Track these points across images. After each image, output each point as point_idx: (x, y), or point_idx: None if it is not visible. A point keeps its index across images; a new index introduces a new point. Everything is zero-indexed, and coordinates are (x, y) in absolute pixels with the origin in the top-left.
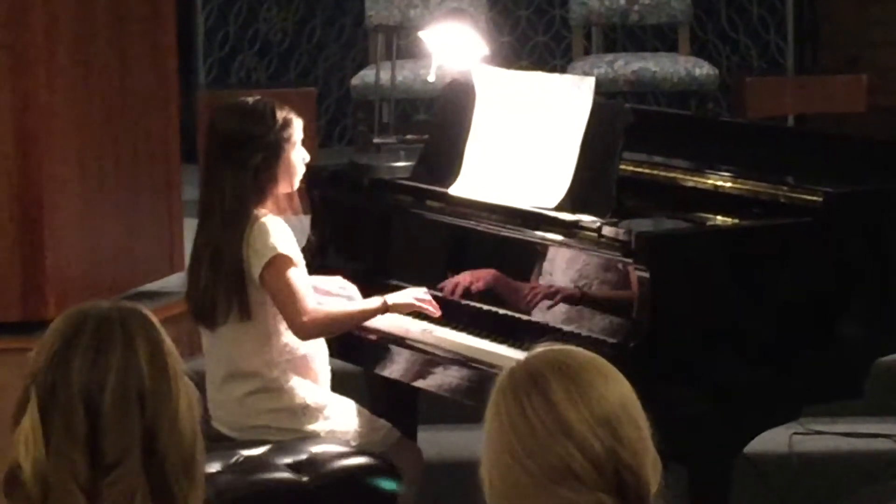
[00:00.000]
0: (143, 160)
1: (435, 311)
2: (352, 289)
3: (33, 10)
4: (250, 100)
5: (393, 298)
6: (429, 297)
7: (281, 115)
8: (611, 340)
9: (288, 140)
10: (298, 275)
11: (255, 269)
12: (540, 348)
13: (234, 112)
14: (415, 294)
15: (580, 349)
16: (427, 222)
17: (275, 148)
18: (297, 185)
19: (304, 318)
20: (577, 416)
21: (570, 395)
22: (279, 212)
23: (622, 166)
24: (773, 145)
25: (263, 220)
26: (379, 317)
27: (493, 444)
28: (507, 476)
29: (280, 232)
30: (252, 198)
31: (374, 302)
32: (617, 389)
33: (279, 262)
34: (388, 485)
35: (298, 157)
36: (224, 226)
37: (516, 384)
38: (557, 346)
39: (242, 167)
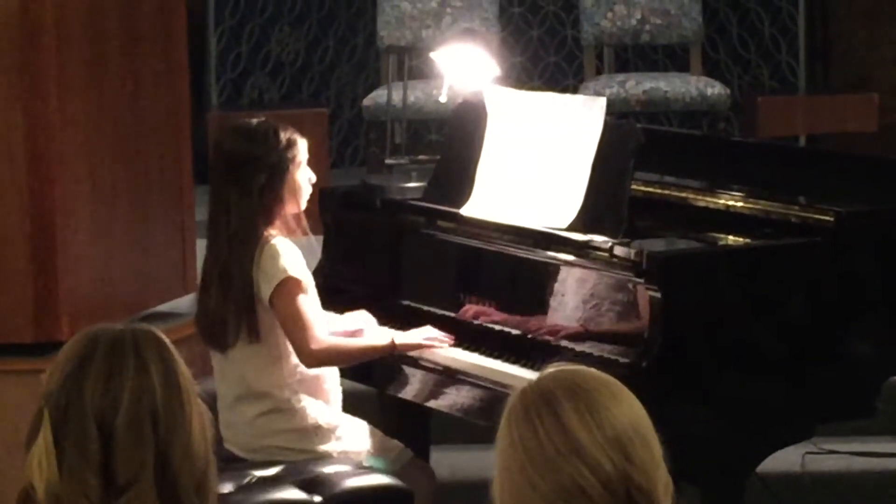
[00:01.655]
0: (155, 181)
1: (443, 345)
2: (371, 321)
3: (45, 32)
4: (254, 121)
5: (401, 339)
6: (437, 334)
7: (284, 135)
8: (623, 360)
9: (292, 160)
10: (308, 300)
11: (265, 291)
12: (552, 368)
13: (238, 133)
14: (424, 334)
15: (592, 370)
16: (439, 243)
17: (278, 168)
18: (304, 205)
19: (312, 347)
20: (589, 437)
21: (582, 416)
22: (288, 232)
23: (634, 186)
24: (784, 165)
25: (273, 241)
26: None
27: (504, 463)
28: (519, 496)
29: (290, 254)
30: (259, 219)
31: (383, 340)
32: (629, 411)
33: (289, 286)
34: None
35: (304, 178)
36: (231, 247)
37: (528, 404)
38: (569, 367)
39: (247, 188)
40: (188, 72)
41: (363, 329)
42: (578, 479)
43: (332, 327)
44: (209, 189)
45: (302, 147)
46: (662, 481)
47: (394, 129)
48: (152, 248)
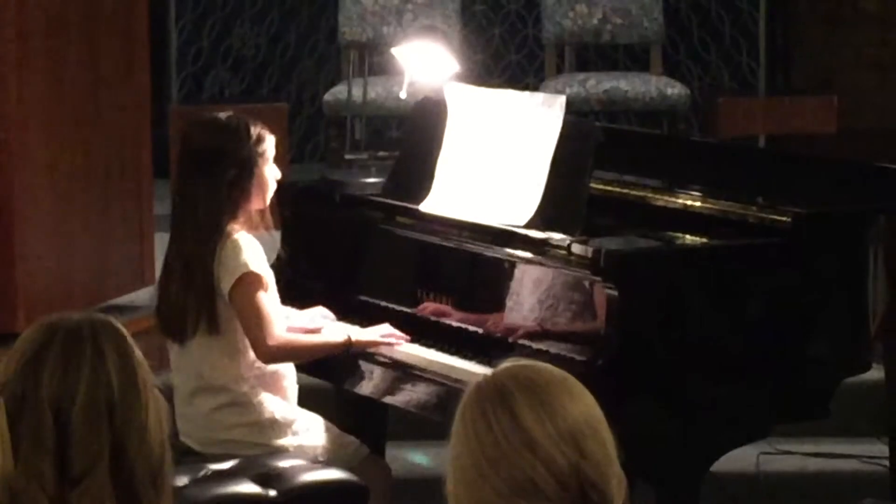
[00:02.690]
0: (114, 174)
1: (399, 342)
2: (329, 317)
3: (5, 24)
4: (223, 115)
5: (357, 335)
6: (393, 331)
7: (255, 130)
8: (579, 358)
9: (261, 156)
10: (267, 296)
11: (225, 285)
12: (506, 363)
13: (208, 127)
14: (381, 331)
15: (547, 365)
16: (397, 238)
17: (248, 163)
18: (268, 201)
19: (269, 342)
20: (542, 432)
21: (536, 411)
22: (251, 228)
23: (593, 185)
24: (743, 165)
25: (236, 236)
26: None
27: (459, 458)
28: (473, 491)
29: (252, 250)
30: (225, 213)
31: (339, 337)
32: (582, 406)
33: (249, 281)
34: None
35: (271, 174)
36: (196, 241)
37: (483, 398)
38: (524, 362)
39: (216, 182)
40: (149, 65)
41: (321, 326)
42: (531, 473)
43: (291, 323)
44: (173, 181)
45: (270, 143)
46: (616, 476)
47: (354, 125)
48: (111, 241)
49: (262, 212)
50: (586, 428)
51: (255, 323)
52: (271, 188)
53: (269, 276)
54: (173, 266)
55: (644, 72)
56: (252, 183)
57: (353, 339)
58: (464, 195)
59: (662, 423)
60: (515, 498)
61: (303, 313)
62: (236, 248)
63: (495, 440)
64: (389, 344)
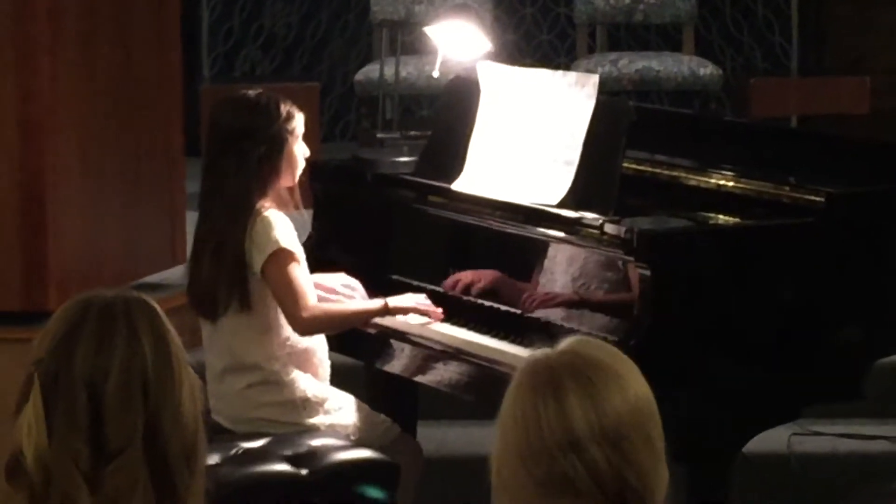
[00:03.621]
0: (146, 153)
1: (436, 315)
2: (356, 285)
3: (37, 3)
4: (252, 93)
5: (394, 301)
6: (429, 303)
7: (284, 108)
8: (611, 338)
9: (291, 133)
10: (300, 270)
11: (257, 262)
12: (570, 341)
13: (238, 105)
14: (416, 299)
15: (604, 349)
16: (429, 218)
17: (278, 140)
18: (297, 178)
19: (304, 315)
20: (588, 431)
21: (585, 410)
22: (281, 206)
23: (625, 164)
24: (775, 146)
25: (266, 213)
26: None
27: (506, 438)
28: (514, 476)
29: (283, 226)
30: (255, 190)
31: (375, 303)
32: (632, 403)
33: (281, 257)
34: (374, 493)
35: (300, 151)
36: (226, 218)
37: (536, 386)
38: (585, 346)
39: (245, 159)
40: (180, 44)
41: (354, 288)
42: (571, 473)
43: (316, 281)
44: (203, 159)
45: (299, 120)
46: (661, 479)
47: (385, 103)
48: (142, 219)
49: (291, 189)
50: (632, 429)
51: (289, 297)
52: (300, 166)
53: (299, 252)
54: (204, 244)
55: (676, 52)
56: (281, 160)
57: (391, 304)
58: (496, 174)
59: (694, 404)
60: (552, 493)
61: (326, 276)
62: (267, 225)
63: (541, 434)
64: (425, 312)
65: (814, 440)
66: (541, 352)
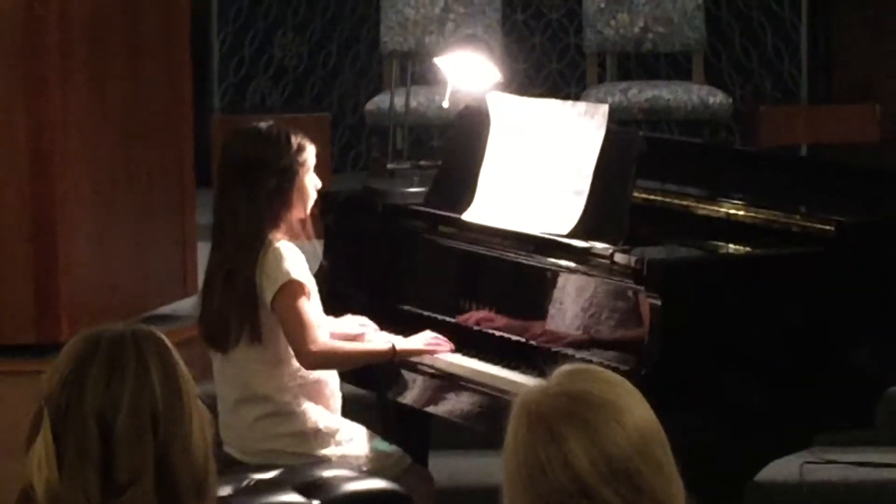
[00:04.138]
0: (157, 184)
1: (444, 349)
2: (371, 326)
3: (48, 32)
4: (264, 124)
5: (402, 344)
6: (439, 339)
7: (295, 140)
8: (622, 367)
9: (302, 165)
10: (310, 303)
11: (268, 294)
12: (556, 379)
13: (249, 136)
14: (425, 339)
15: (597, 380)
16: (440, 248)
17: (289, 172)
18: (309, 210)
19: (312, 348)
20: (594, 473)
21: (588, 453)
22: (292, 237)
23: (635, 194)
24: (785, 174)
25: (278, 245)
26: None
27: (512, 485)
28: None
29: (294, 258)
30: (266, 222)
31: (383, 346)
32: (634, 432)
33: (292, 289)
34: None
35: (311, 183)
36: (237, 249)
37: (532, 429)
38: (574, 380)
39: (256, 191)
40: (191, 75)
41: (364, 334)
42: None
43: (331, 329)
44: (215, 190)
45: (311, 152)
46: (678, 499)
47: (396, 134)
48: (153, 251)
49: (303, 221)
50: (640, 459)
51: (298, 330)
52: (312, 197)
53: (311, 284)
54: (215, 275)
55: (686, 80)
56: (292, 192)
57: (398, 347)
58: (507, 204)
59: (705, 433)
60: None
61: (342, 320)
62: (278, 257)
63: (549, 483)
64: (434, 352)
65: (826, 468)
66: (530, 391)
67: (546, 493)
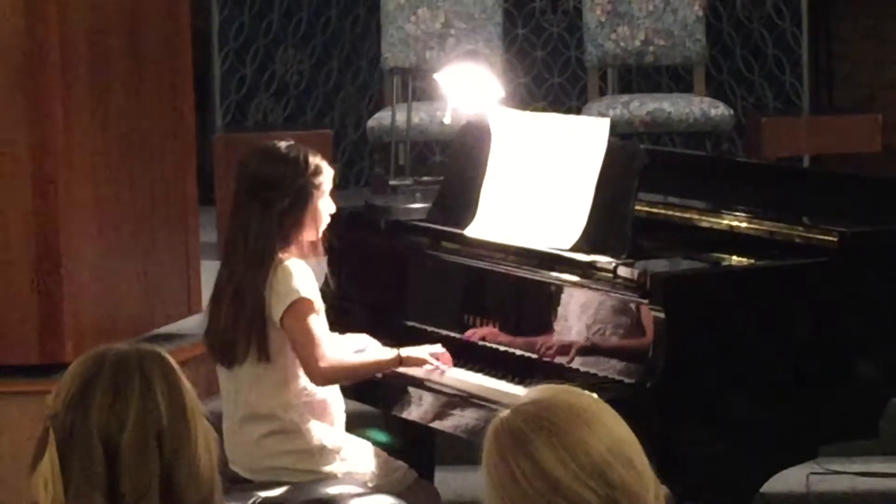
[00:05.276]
0: (160, 203)
1: (448, 365)
2: (374, 344)
3: (49, 54)
4: (283, 144)
5: (407, 352)
6: (443, 352)
7: (313, 161)
8: (627, 381)
9: (317, 188)
10: (319, 321)
11: (277, 311)
12: (520, 401)
13: (267, 155)
14: (430, 350)
15: (559, 394)
16: (443, 263)
17: (303, 194)
18: (321, 233)
19: (322, 365)
20: (567, 473)
21: (557, 453)
22: (302, 256)
23: (638, 207)
24: (788, 186)
25: (287, 262)
26: None
27: (492, 502)
28: None
29: (303, 275)
30: (276, 241)
31: (389, 354)
32: (604, 434)
33: (301, 306)
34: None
35: (325, 207)
36: (247, 266)
37: (502, 447)
38: (537, 396)
39: (268, 210)
40: (193, 93)
41: (367, 348)
42: None
43: (335, 346)
44: (232, 206)
45: (328, 175)
46: (651, 493)
47: (398, 150)
48: (157, 270)
49: (314, 243)
50: (611, 456)
51: (308, 347)
52: (325, 221)
53: (319, 302)
54: (224, 291)
55: (687, 93)
56: (305, 214)
57: (404, 355)
58: (509, 219)
59: (711, 445)
60: None
61: (346, 337)
62: (287, 275)
63: (521, 489)
64: (437, 361)
65: (832, 479)
66: (499, 416)
67: (520, 500)
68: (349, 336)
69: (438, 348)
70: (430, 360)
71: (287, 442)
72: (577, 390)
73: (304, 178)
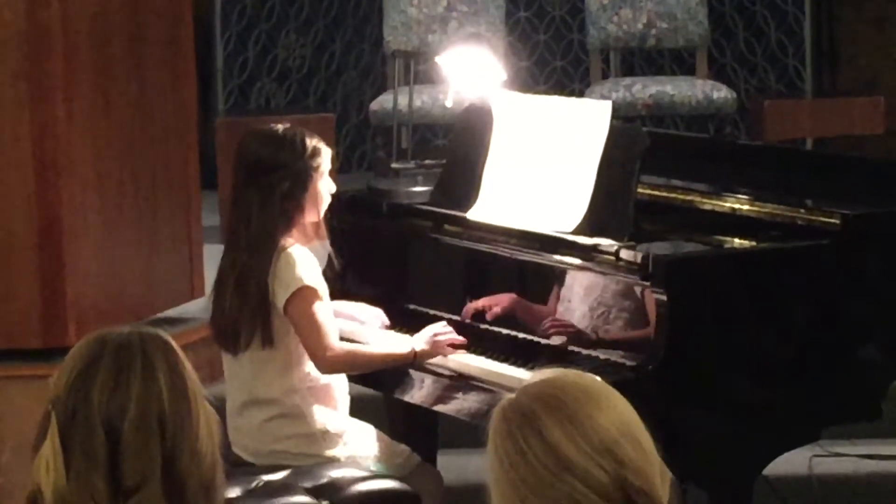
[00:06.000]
0: (162, 187)
1: (460, 342)
2: (382, 316)
3: (52, 38)
4: (280, 127)
5: (421, 346)
6: (450, 330)
7: (311, 143)
8: (630, 363)
9: (316, 169)
10: (323, 308)
11: (280, 299)
12: (528, 381)
13: (264, 138)
14: (436, 330)
15: (568, 375)
16: (445, 247)
17: (302, 176)
18: (322, 214)
19: (328, 354)
20: (576, 451)
21: (566, 430)
22: (306, 240)
23: (640, 190)
24: (790, 168)
25: (290, 249)
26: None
27: (498, 483)
28: None
29: (306, 263)
30: (278, 225)
31: (402, 348)
32: (612, 413)
33: (305, 294)
34: None
35: (325, 188)
36: (250, 252)
37: (511, 425)
38: (546, 377)
39: (269, 194)
40: (195, 77)
41: (366, 323)
42: (574, 494)
43: (342, 311)
44: (232, 191)
45: (326, 156)
46: (659, 474)
47: (400, 133)
48: (160, 254)
49: (316, 224)
50: (620, 435)
51: (313, 335)
52: (325, 202)
53: (323, 289)
54: (227, 277)
55: (690, 75)
56: (306, 196)
57: (418, 350)
58: (511, 202)
59: (713, 428)
60: None
61: (354, 305)
62: (291, 262)
63: (530, 466)
64: (454, 350)
65: (835, 462)
66: (506, 398)
67: (529, 479)
68: (363, 305)
69: (442, 325)
70: (445, 352)
71: (290, 426)
72: (582, 373)
73: (302, 160)
